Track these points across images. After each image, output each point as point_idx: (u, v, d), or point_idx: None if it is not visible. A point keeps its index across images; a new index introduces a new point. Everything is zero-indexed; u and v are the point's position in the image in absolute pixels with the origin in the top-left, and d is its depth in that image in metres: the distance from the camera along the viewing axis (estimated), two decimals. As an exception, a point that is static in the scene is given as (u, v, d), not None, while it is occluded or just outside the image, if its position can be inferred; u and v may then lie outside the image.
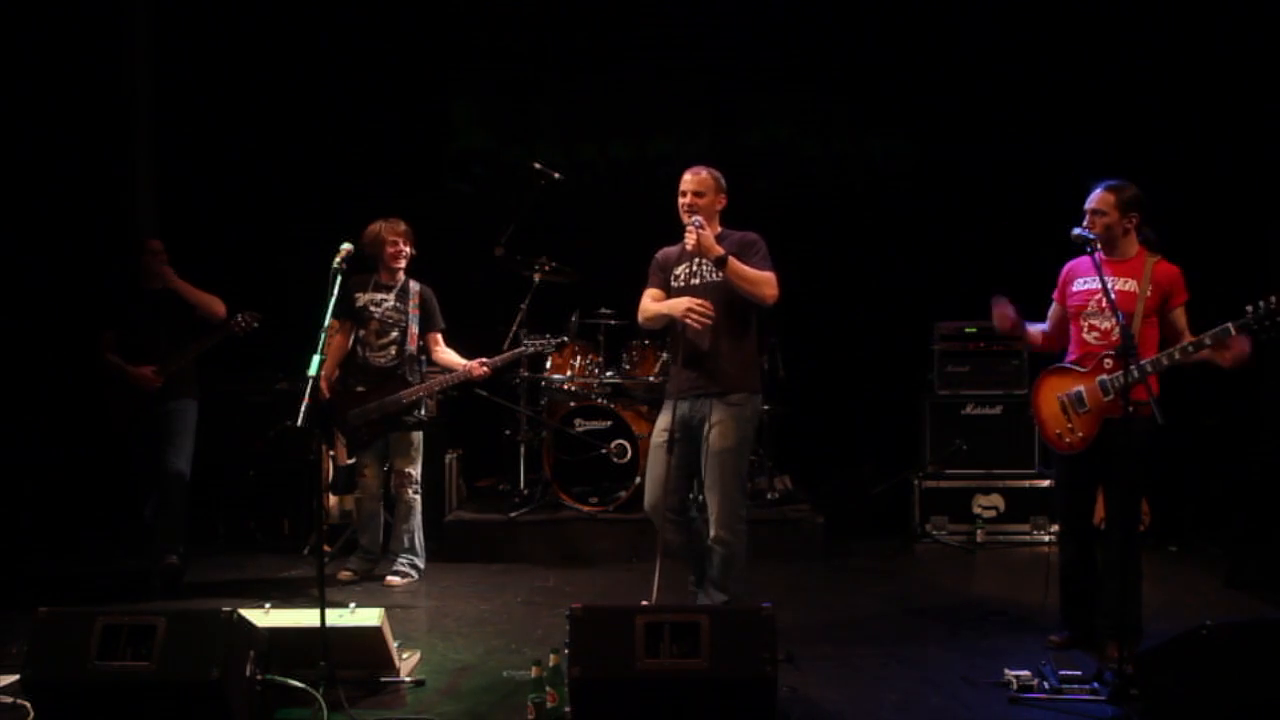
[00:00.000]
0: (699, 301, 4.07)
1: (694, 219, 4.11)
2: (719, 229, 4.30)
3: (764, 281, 4.15)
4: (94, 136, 6.74)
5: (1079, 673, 3.80)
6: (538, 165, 6.22)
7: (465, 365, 5.29)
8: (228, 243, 6.86)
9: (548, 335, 5.69)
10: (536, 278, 6.15)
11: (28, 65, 6.43)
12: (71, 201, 6.58)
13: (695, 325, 4.06)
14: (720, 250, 4.07)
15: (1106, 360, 4.02)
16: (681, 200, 4.22)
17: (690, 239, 4.07)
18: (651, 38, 7.21)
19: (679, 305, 4.12)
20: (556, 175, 6.22)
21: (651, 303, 4.31)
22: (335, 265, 4.07)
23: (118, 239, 6.49)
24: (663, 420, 4.25)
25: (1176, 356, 3.93)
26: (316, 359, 3.79)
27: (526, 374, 6.19)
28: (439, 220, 7.03)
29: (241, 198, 7.07)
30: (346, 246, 4.24)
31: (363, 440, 5.35)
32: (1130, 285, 4.07)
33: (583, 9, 7.19)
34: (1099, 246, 3.95)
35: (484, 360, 5.30)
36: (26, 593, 5.17)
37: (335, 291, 4.00)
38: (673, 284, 4.31)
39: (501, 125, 7.43)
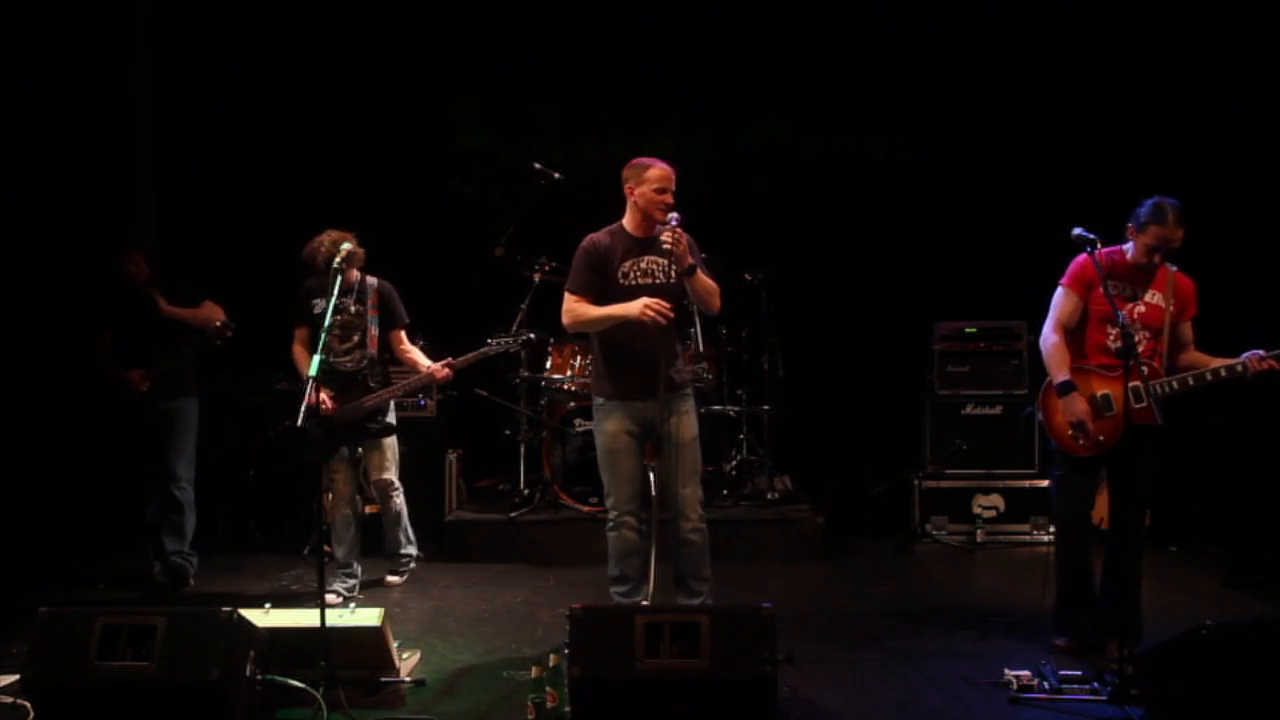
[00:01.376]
0: (658, 301, 3.95)
1: (672, 217, 3.99)
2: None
3: (717, 293, 4.17)
4: (94, 136, 6.73)
5: (1079, 673, 3.80)
6: (538, 165, 6.22)
7: (429, 367, 5.13)
8: (227, 243, 6.86)
9: (516, 332, 5.54)
10: (536, 278, 6.15)
11: (28, 65, 6.42)
12: (72, 201, 6.58)
13: (659, 323, 3.93)
14: (692, 260, 4.03)
15: (1143, 367, 3.99)
16: (659, 198, 4.07)
17: (668, 240, 3.92)
18: (651, 38, 7.21)
19: (635, 307, 3.98)
20: (556, 175, 6.22)
21: (588, 307, 4.11)
22: (335, 265, 4.08)
23: (118, 239, 6.50)
24: (619, 424, 4.16)
25: (1208, 378, 3.98)
26: (317, 359, 3.80)
27: (527, 374, 6.19)
28: (439, 220, 7.04)
29: (241, 198, 7.06)
30: (346, 246, 4.24)
31: (324, 449, 5.10)
32: (1158, 298, 4.08)
33: (583, 9, 7.19)
34: (1098, 247, 3.94)
35: (448, 361, 5.11)
36: (26, 593, 5.17)
37: (334, 291, 4.01)
38: (621, 281, 4.14)
39: (501, 125, 7.42)
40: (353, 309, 5.16)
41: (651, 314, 3.92)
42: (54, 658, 3.31)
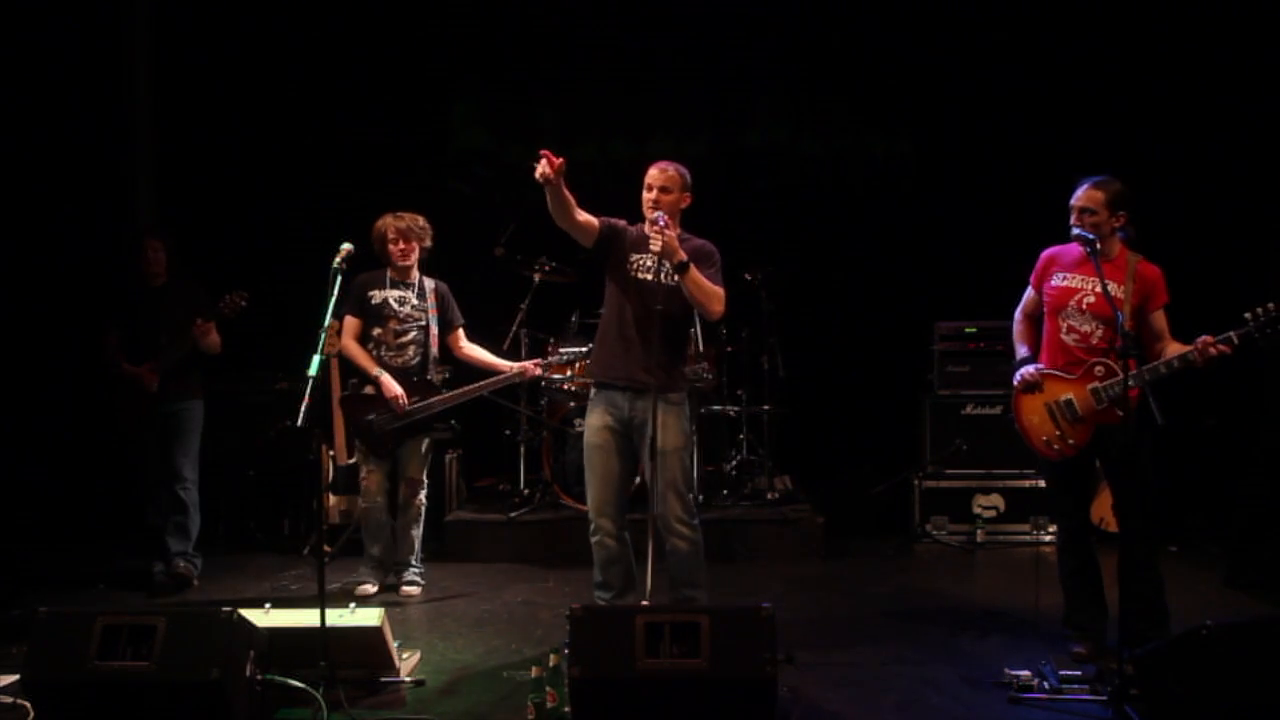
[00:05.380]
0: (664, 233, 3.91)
1: (657, 215, 3.98)
2: (679, 230, 4.17)
3: (716, 297, 4.07)
4: (94, 135, 6.73)
5: (1079, 673, 3.80)
6: (538, 165, 6.21)
7: (517, 365, 5.12)
8: (228, 242, 6.86)
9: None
10: (536, 278, 6.15)
11: (29, 64, 6.42)
12: (72, 200, 6.58)
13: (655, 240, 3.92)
14: (684, 255, 3.98)
15: (1098, 367, 3.96)
16: (647, 195, 4.09)
17: (655, 241, 3.94)
18: (651, 37, 7.20)
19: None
20: (557, 175, 6.20)
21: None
22: (335, 265, 4.07)
23: (118, 238, 6.50)
24: (598, 417, 4.16)
25: (1162, 371, 3.87)
26: (317, 359, 3.79)
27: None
28: (439, 220, 7.00)
29: (241, 197, 7.06)
30: (346, 246, 4.23)
31: (386, 449, 5.09)
32: (1114, 288, 3.96)
33: (583, 9, 7.19)
34: (1098, 247, 3.93)
35: (538, 361, 5.17)
36: (26, 593, 5.17)
37: (335, 291, 4.00)
38: (628, 270, 4.16)
39: (501, 125, 7.41)
40: (413, 303, 5.15)
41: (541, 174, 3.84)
42: (54, 658, 3.31)
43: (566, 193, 3.98)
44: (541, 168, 3.81)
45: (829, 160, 7.32)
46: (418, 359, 5.14)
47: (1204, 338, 3.80)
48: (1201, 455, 6.07)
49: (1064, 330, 4.07)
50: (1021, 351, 4.23)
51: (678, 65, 7.22)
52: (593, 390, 4.29)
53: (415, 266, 5.20)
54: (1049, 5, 6.82)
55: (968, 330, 6.45)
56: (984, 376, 6.40)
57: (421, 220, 5.17)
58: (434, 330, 5.16)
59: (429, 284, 5.23)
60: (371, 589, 5.23)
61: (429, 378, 5.14)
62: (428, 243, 5.18)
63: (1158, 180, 6.42)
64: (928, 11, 6.99)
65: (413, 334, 5.14)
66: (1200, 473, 6.12)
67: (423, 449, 5.21)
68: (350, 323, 5.14)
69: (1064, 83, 6.84)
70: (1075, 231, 3.95)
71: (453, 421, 5.18)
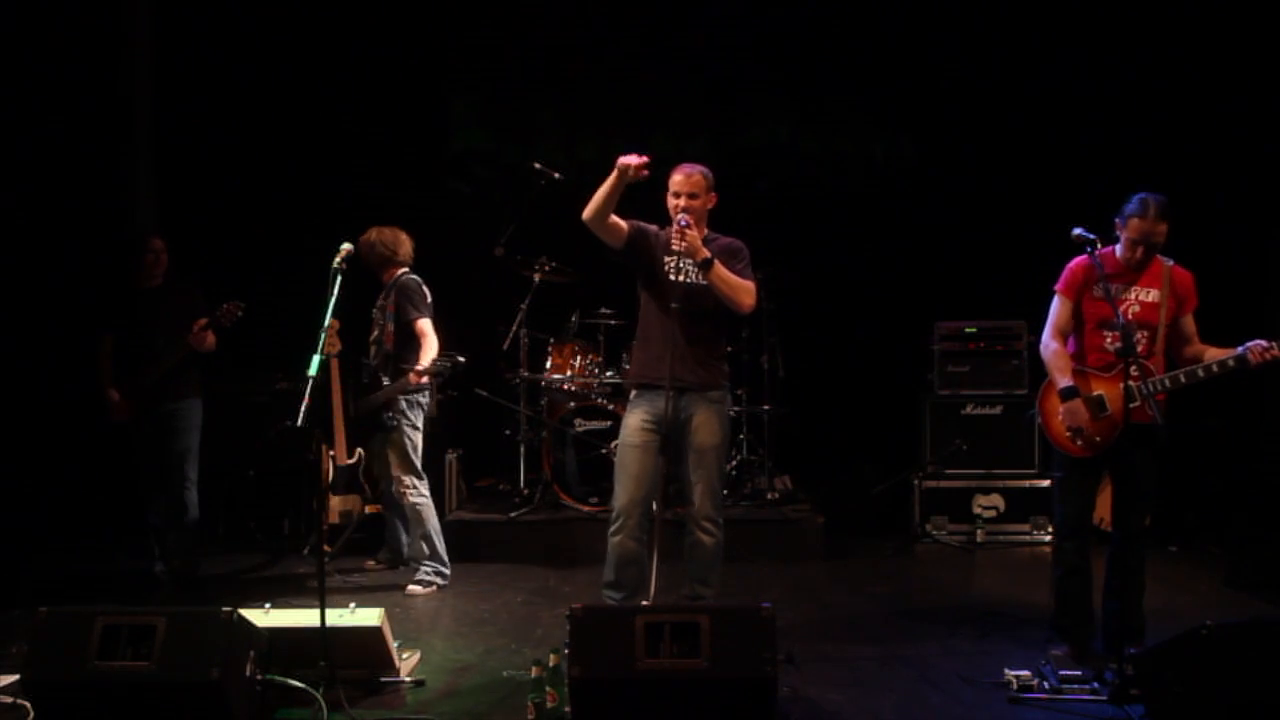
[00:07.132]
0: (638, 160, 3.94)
1: (680, 218, 4.04)
2: (705, 231, 4.22)
3: (744, 290, 4.11)
4: (94, 136, 6.73)
5: (1079, 673, 3.79)
6: (538, 165, 6.21)
7: (416, 369, 5.12)
8: (228, 242, 6.86)
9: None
10: (536, 278, 6.15)
11: (28, 65, 6.42)
12: (72, 201, 6.58)
13: (629, 171, 3.93)
14: (707, 253, 4.03)
15: (1134, 367, 3.98)
16: (674, 202, 4.13)
17: (677, 241, 3.99)
18: (651, 37, 7.21)
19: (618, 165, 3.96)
20: (556, 175, 6.20)
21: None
22: (335, 265, 4.07)
23: (118, 239, 6.49)
24: (636, 417, 4.18)
25: (1200, 375, 3.91)
26: (317, 359, 3.79)
27: (526, 374, 6.19)
28: (439, 220, 7.04)
29: (241, 197, 7.07)
30: (346, 246, 4.23)
31: (354, 439, 5.29)
32: (1154, 295, 4.02)
33: (583, 9, 7.19)
34: (1099, 247, 3.93)
35: (418, 369, 5.08)
36: (26, 593, 5.16)
37: (335, 291, 4.01)
38: (663, 273, 4.17)
39: (501, 125, 7.42)
40: (378, 304, 5.36)
41: (627, 164, 3.92)
42: (54, 658, 3.31)
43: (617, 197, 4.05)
44: (638, 165, 3.93)
45: (829, 160, 7.33)
46: (378, 358, 5.32)
47: (1258, 342, 3.83)
48: (1202, 455, 6.07)
49: (1109, 340, 4.05)
50: (1064, 381, 4.04)
51: (678, 65, 7.22)
52: (633, 393, 4.32)
53: (391, 270, 5.35)
54: (1049, 6, 6.82)
55: (968, 330, 6.45)
56: (984, 376, 6.41)
57: (369, 238, 5.29)
58: (389, 328, 5.26)
59: (399, 280, 5.31)
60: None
61: (380, 377, 5.24)
62: (385, 254, 5.31)
63: (1158, 178, 6.43)
64: (928, 11, 6.99)
65: (375, 333, 5.38)
66: (1200, 473, 6.12)
67: (389, 446, 5.23)
68: (338, 324, 5.27)
69: (1065, 81, 6.84)
70: (1076, 231, 3.93)
71: (386, 415, 5.20)
